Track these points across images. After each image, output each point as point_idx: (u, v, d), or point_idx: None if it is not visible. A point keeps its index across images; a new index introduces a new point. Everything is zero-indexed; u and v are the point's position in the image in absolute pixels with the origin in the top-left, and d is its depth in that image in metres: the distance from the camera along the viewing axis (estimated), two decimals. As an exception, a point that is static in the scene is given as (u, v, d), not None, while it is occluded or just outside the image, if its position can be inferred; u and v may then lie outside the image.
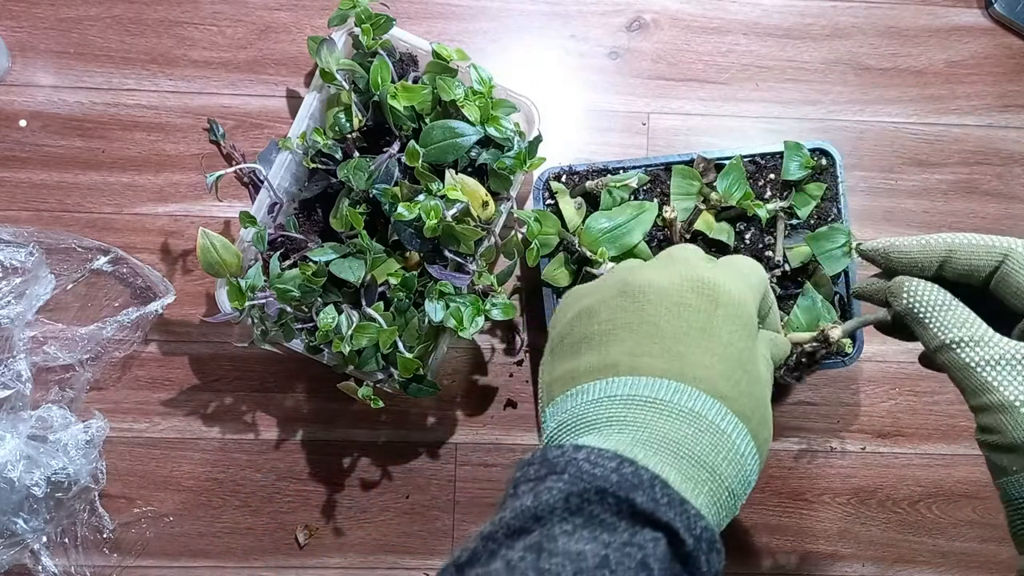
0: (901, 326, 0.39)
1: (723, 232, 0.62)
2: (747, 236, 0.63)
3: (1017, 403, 0.34)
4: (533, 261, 0.59)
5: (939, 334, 0.36)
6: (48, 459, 0.61)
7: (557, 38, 0.71)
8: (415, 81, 0.62)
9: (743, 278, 0.38)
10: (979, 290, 0.37)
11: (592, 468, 0.31)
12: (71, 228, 0.67)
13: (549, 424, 0.36)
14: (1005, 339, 0.35)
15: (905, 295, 0.37)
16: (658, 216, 0.60)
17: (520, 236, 0.60)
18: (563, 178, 0.63)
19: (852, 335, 0.63)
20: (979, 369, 0.34)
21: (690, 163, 0.63)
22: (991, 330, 0.35)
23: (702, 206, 0.62)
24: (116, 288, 0.68)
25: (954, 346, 0.35)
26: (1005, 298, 0.36)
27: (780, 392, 0.70)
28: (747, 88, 0.71)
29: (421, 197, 0.56)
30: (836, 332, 0.43)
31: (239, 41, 0.70)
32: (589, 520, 0.30)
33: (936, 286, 0.37)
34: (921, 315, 0.36)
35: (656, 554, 0.29)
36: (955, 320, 0.36)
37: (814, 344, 0.44)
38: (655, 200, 0.62)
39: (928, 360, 0.41)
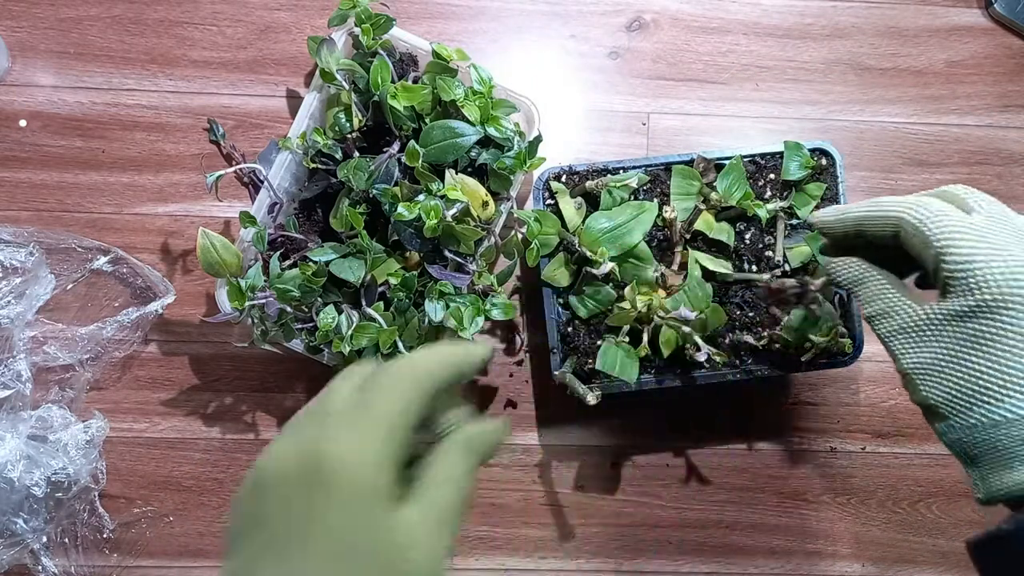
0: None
1: (723, 232, 0.62)
2: (747, 236, 0.63)
3: (909, 371, 0.38)
4: (533, 261, 0.59)
5: (863, 308, 0.40)
6: (48, 459, 0.61)
7: (557, 38, 0.71)
8: (415, 81, 0.62)
9: (379, 423, 0.30)
10: (899, 253, 0.40)
11: None
12: (71, 228, 0.67)
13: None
14: (910, 308, 0.38)
15: (830, 273, 0.42)
16: (658, 216, 0.60)
17: (520, 236, 0.60)
18: (563, 178, 0.63)
19: (852, 335, 0.63)
20: (888, 339, 0.39)
21: (690, 163, 0.63)
22: (902, 299, 0.39)
23: (702, 206, 0.62)
24: (116, 288, 0.68)
25: (872, 319, 0.39)
26: (913, 261, 0.39)
27: (780, 393, 0.70)
28: (747, 88, 0.71)
29: (421, 197, 0.56)
30: (816, 283, 0.50)
31: (239, 41, 0.70)
32: None
33: (853, 261, 0.41)
34: (849, 289, 0.41)
35: None
36: (870, 294, 0.40)
37: (796, 289, 0.49)
38: (655, 200, 0.62)
39: None
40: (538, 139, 0.60)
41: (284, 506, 0.28)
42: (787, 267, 0.62)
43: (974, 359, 0.36)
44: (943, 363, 0.37)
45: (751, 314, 0.62)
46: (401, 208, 0.55)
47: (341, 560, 0.28)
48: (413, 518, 0.29)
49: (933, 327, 0.37)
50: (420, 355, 0.33)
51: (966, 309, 0.36)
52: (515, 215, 0.60)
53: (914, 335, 0.38)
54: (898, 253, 0.40)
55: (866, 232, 0.41)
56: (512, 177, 0.60)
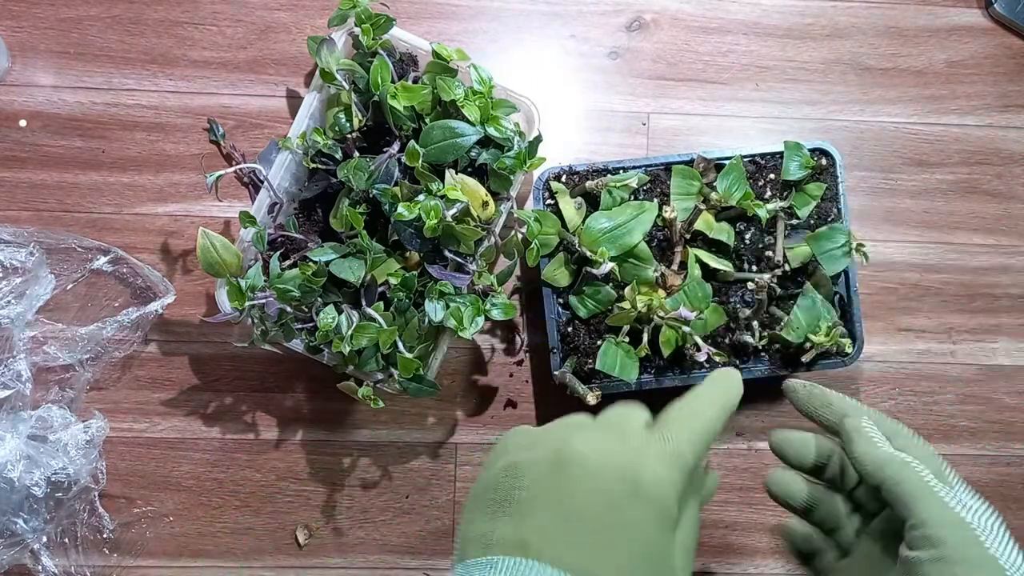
0: None
1: (723, 232, 0.62)
2: (747, 236, 0.63)
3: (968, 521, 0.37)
4: (533, 261, 0.59)
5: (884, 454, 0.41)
6: (48, 459, 0.61)
7: (557, 38, 0.71)
8: (415, 81, 0.62)
9: (679, 457, 0.36)
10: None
11: None
12: (71, 228, 0.67)
13: None
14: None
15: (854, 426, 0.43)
16: (658, 216, 0.60)
17: (520, 236, 0.60)
18: (563, 178, 0.63)
19: (852, 335, 0.63)
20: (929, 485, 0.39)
21: (690, 163, 0.63)
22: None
23: (702, 206, 0.62)
24: (116, 288, 0.68)
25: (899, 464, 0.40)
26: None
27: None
28: (747, 88, 0.71)
29: (421, 197, 0.56)
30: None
31: (239, 41, 0.70)
32: None
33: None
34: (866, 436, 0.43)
35: None
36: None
37: None
38: (655, 200, 0.62)
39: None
40: (538, 139, 0.60)
41: (597, 499, 0.34)
42: (787, 267, 0.62)
43: None
44: None
45: (751, 313, 0.62)
46: (401, 208, 0.55)
47: (627, 553, 0.33)
48: (680, 535, 0.37)
49: None
50: (710, 401, 0.40)
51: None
52: (515, 215, 0.60)
53: None
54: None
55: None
56: (512, 177, 0.60)
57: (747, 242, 0.63)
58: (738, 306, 0.62)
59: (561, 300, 0.63)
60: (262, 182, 0.63)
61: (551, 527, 0.33)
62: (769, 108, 0.71)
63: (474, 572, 0.34)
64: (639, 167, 0.63)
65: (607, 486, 0.34)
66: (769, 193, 0.64)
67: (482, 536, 0.35)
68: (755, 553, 0.68)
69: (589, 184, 0.62)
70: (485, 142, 0.59)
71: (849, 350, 0.62)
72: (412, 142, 0.57)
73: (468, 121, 0.57)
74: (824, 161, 0.64)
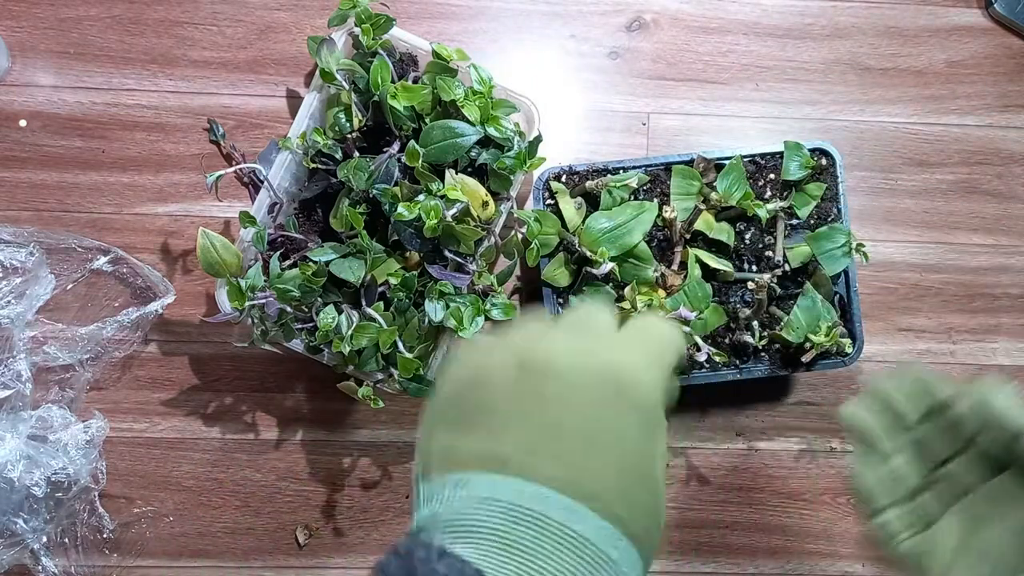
0: None
1: (723, 232, 0.62)
2: (747, 236, 0.63)
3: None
4: (533, 261, 0.59)
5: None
6: (48, 459, 0.61)
7: (557, 38, 0.71)
8: (415, 81, 0.62)
9: (658, 358, 0.34)
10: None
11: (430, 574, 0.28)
12: (71, 228, 0.67)
13: (422, 507, 0.32)
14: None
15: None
16: (658, 216, 0.60)
17: (520, 236, 0.60)
18: (563, 178, 0.63)
19: (852, 335, 0.63)
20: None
21: (690, 163, 0.63)
22: None
23: (702, 206, 0.62)
24: (116, 288, 0.68)
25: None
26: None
27: (780, 391, 0.70)
28: (747, 88, 0.71)
29: (421, 197, 0.56)
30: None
31: (239, 41, 0.70)
32: None
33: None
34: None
35: None
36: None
37: None
38: (655, 200, 0.62)
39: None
40: (538, 139, 0.60)
41: (577, 407, 0.31)
42: (787, 267, 0.62)
43: None
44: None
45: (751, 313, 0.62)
46: (401, 208, 0.55)
47: (615, 465, 0.30)
48: (660, 442, 0.33)
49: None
50: (671, 328, 0.36)
51: None
52: (515, 215, 0.60)
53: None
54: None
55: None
56: (512, 177, 0.60)
57: (747, 242, 0.63)
58: (738, 306, 0.62)
59: (561, 300, 0.63)
60: (262, 182, 0.63)
61: (527, 438, 0.30)
62: (769, 108, 0.71)
63: (443, 489, 0.31)
64: (639, 167, 0.63)
65: (586, 391, 0.31)
66: (769, 193, 0.64)
67: (447, 450, 0.33)
68: (755, 553, 0.68)
69: (589, 184, 0.62)
70: (485, 142, 0.59)
71: (849, 350, 0.62)
72: (412, 142, 0.56)
73: (468, 121, 0.57)
74: (824, 161, 0.64)
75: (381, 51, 0.60)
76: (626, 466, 0.31)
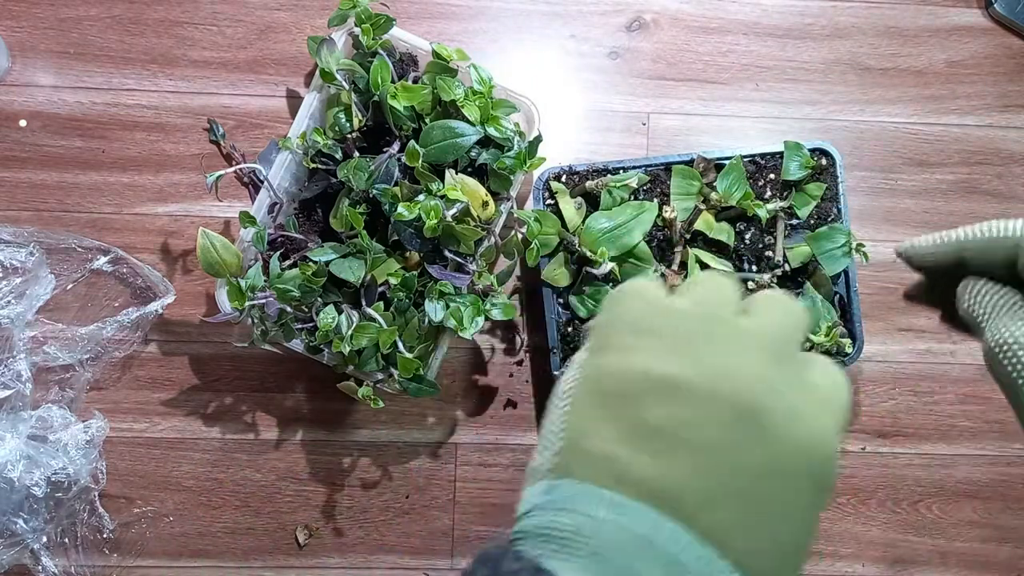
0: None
1: (723, 232, 0.62)
2: (747, 236, 0.63)
3: None
4: (533, 261, 0.59)
5: (990, 337, 0.34)
6: (48, 459, 0.61)
7: (557, 38, 0.71)
8: (415, 81, 0.62)
9: (842, 424, 0.32)
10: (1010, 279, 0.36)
11: None
12: (71, 228, 0.67)
13: (546, 510, 0.29)
14: None
15: (967, 298, 0.36)
16: (658, 216, 0.60)
17: (520, 236, 0.60)
18: (563, 178, 0.63)
19: (852, 335, 0.63)
20: None
21: (690, 163, 0.63)
22: None
23: (702, 206, 0.62)
24: (116, 288, 0.68)
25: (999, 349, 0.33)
26: None
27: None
28: (747, 88, 0.71)
29: (421, 197, 0.56)
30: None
31: (239, 41, 0.70)
32: None
33: (995, 287, 0.36)
34: (978, 318, 0.35)
35: None
36: (1007, 323, 0.34)
37: None
38: (655, 200, 0.62)
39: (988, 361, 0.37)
40: (538, 139, 0.60)
41: (778, 483, 0.29)
42: (787, 267, 0.62)
43: None
44: None
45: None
46: (401, 208, 0.55)
47: (778, 540, 0.28)
48: (817, 375, 0.31)
49: None
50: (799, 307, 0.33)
51: None
52: (515, 215, 0.60)
53: None
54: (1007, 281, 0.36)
55: (970, 259, 0.36)
56: (512, 177, 0.60)
57: (747, 242, 0.63)
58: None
59: (561, 300, 0.63)
60: (262, 182, 0.63)
61: (711, 489, 0.28)
62: (769, 108, 0.71)
63: (594, 504, 0.28)
64: (639, 167, 0.63)
65: (795, 467, 0.29)
66: (769, 193, 0.64)
67: (613, 461, 0.29)
68: (755, 553, 0.68)
69: (589, 184, 0.62)
70: (485, 142, 0.59)
71: (849, 350, 0.62)
72: (412, 142, 0.56)
73: (468, 121, 0.57)
74: (824, 161, 0.64)
75: (381, 51, 0.60)
76: (792, 543, 0.29)
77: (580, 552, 0.27)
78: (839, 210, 0.64)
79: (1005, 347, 0.32)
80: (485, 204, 0.59)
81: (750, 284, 0.61)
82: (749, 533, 0.28)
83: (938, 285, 0.39)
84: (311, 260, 0.58)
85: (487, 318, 0.58)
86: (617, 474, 0.28)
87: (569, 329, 0.63)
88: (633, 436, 0.29)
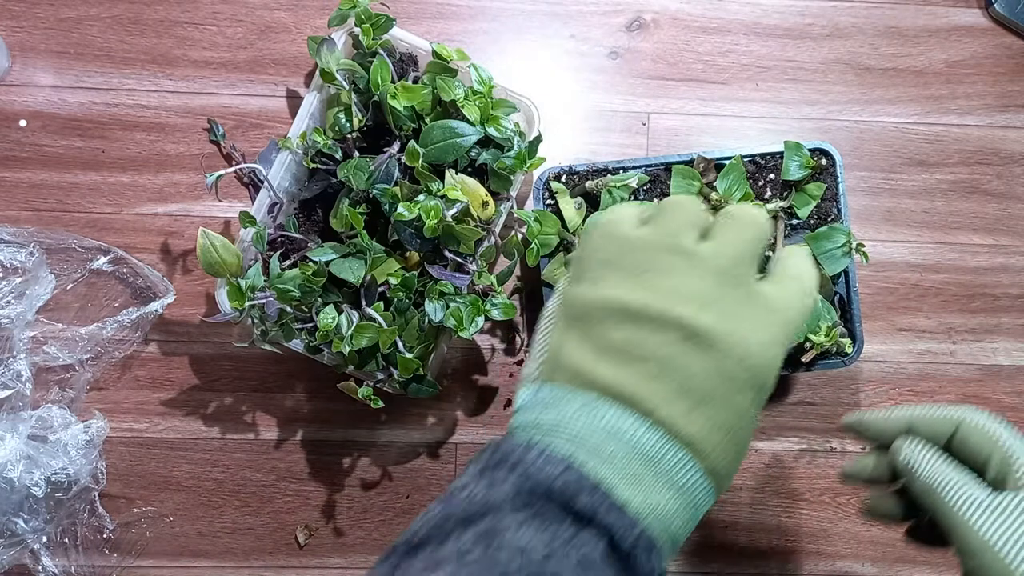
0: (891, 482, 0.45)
1: (723, 232, 0.62)
2: (747, 236, 0.63)
3: (994, 543, 0.37)
4: (533, 261, 0.59)
5: (928, 478, 0.40)
6: (48, 459, 0.61)
7: (557, 38, 0.71)
8: (415, 81, 0.62)
9: (789, 337, 0.37)
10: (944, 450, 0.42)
11: (541, 470, 0.33)
12: (71, 228, 0.67)
13: (533, 409, 0.36)
14: (985, 488, 0.39)
15: (904, 449, 0.42)
16: (658, 216, 0.60)
17: (520, 236, 0.60)
18: (563, 178, 0.63)
19: (852, 335, 0.63)
20: (962, 511, 0.39)
21: (690, 163, 0.63)
22: (974, 480, 0.40)
23: (702, 206, 0.62)
24: (116, 288, 0.68)
25: (941, 488, 0.40)
26: (966, 460, 0.41)
27: (780, 392, 0.70)
28: (747, 88, 0.71)
29: (421, 197, 0.56)
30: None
31: (239, 41, 0.70)
32: (536, 515, 0.32)
33: (927, 445, 0.42)
34: (914, 466, 0.41)
35: (596, 552, 0.32)
36: (944, 468, 0.40)
37: None
38: (655, 200, 0.62)
39: (913, 532, 0.46)
40: (538, 139, 0.60)
41: (727, 385, 0.35)
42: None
43: None
44: None
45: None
46: (401, 208, 0.55)
47: (730, 433, 0.35)
48: (769, 290, 0.37)
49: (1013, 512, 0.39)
50: (811, 303, 0.38)
51: None
52: (515, 215, 0.60)
53: (1001, 513, 0.39)
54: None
55: (916, 433, 0.43)
56: (512, 177, 0.60)
57: (747, 242, 0.63)
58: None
59: (561, 300, 0.62)
60: (262, 182, 0.63)
61: (666, 390, 0.34)
62: (769, 108, 0.71)
63: (568, 404, 0.35)
64: (639, 167, 0.63)
65: (734, 372, 0.35)
66: (769, 193, 0.64)
67: (583, 370, 0.35)
68: (755, 553, 0.68)
69: (589, 184, 0.62)
70: (485, 142, 0.59)
71: (849, 350, 0.62)
72: (412, 142, 0.57)
73: (468, 121, 0.57)
74: (824, 161, 0.64)
75: (381, 51, 0.60)
76: (737, 434, 0.35)
77: (561, 437, 0.34)
78: (839, 210, 0.64)
79: (937, 485, 0.40)
80: (485, 204, 0.59)
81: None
82: (697, 417, 0.34)
83: (878, 463, 0.45)
84: (311, 260, 0.58)
85: (487, 318, 0.58)
86: (587, 380, 0.35)
87: (569, 329, 0.62)
88: (600, 351, 0.35)
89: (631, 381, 0.35)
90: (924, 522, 0.46)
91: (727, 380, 0.35)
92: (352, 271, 0.58)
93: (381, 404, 0.59)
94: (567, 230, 0.61)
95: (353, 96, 0.60)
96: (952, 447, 0.42)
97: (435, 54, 0.60)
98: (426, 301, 0.57)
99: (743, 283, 0.36)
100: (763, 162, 0.64)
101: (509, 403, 0.68)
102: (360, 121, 0.60)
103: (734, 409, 0.35)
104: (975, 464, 0.41)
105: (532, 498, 0.33)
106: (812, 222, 0.63)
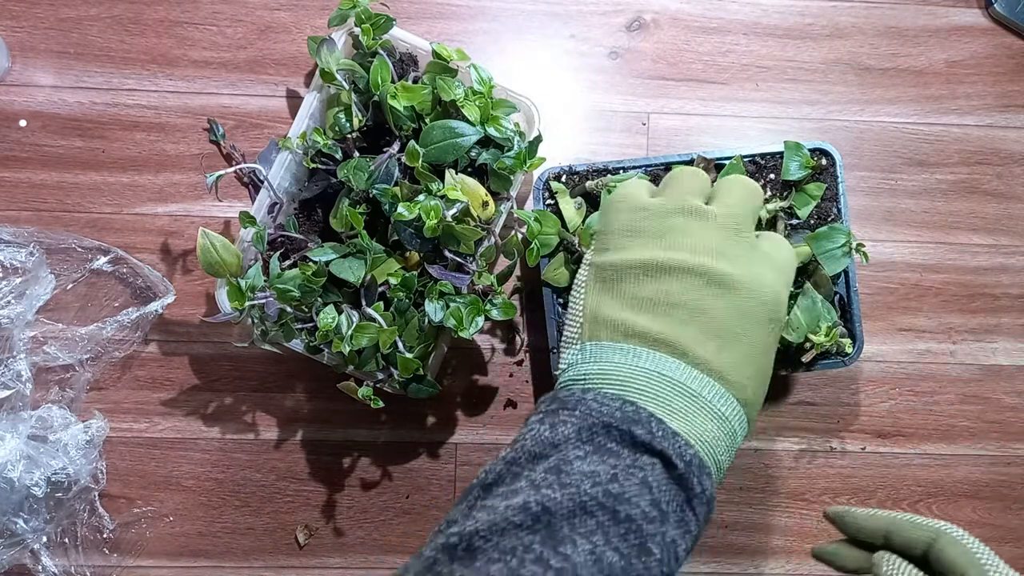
0: None
1: (723, 232, 0.62)
2: (747, 236, 0.63)
3: None
4: (533, 261, 0.59)
5: None
6: (48, 459, 0.61)
7: (557, 38, 0.71)
8: (415, 81, 0.62)
9: (789, 279, 0.43)
10: (921, 563, 0.43)
11: (600, 407, 0.37)
12: (71, 228, 0.67)
13: (579, 364, 0.41)
14: None
15: (884, 566, 0.43)
16: (658, 216, 0.60)
17: (520, 236, 0.60)
18: (563, 178, 0.63)
19: (852, 335, 0.63)
20: None
21: (690, 163, 0.63)
22: None
23: (702, 206, 0.62)
24: (116, 288, 0.68)
25: None
26: (941, 571, 0.42)
27: (780, 392, 0.70)
28: (747, 88, 0.71)
29: (421, 197, 0.56)
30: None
31: (239, 41, 0.70)
32: (598, 448, 0.36)
33: (906, 564, 0.43)
34: None
35: (654, 474, 0.36)
36: None
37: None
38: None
39: None
40: (538, 139, 0.60)
41: (744, 320, 0.40)
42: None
43: None
44: None
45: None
46: (401, 208, 0.55)
47: (756, 365, 0.41)
48: (766, 245, 0.43)
49: None
50: (793, 252, 0.45)
51: None
52: (515, 215, 0.60)
53: None
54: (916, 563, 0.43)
55: (895, 539, 0.44)
56: (512, 177, 0.60)
57: (747, 242, 0.63)
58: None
59: (561, 300, 0.63)
60: (262, 182, 0.63)
61: (696, 333, 0.39)
62: (769, 108, 0.71)
63: (612, 354, 0.39)
64: (639, 167, 0.63)
65: (748, 304, 0.40)
66: (769, 193, 0.64)
67: (622, 323, 0.40)
68: (755, 553, 0.68)
69: (589, 184, 0.62)
70: (485, 142, 0.59)
71: (849, 350, 0.62)
72: (412, 142, 0.57)
73: (468, 121, 0.57)
74: (824, 161, 0.64)
75: (381, 51, 0.60)
76: (761, 365, 0.41)
77: (611, 384, 0.39)
78: (839, 210, 0.64)
79: None
80: (485, 204, 0.59)
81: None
82: (726, 354, 0.39)
83: (851, 555, 0.47)
84: (311, 260, 0.58)
85: (487, 318, 0.58)
86: (625, 331, 0.40)
87: (569, 329, 0.63)
88: (634, 305, 0.41)
89: (665, 328, 0.39)
90: None
91: (747, 316, 0.40)
92: (352, 271, 0.58)
93: (381, 404, 0.59)
94: (567, 230, 0.61)
95: (353, 96, 0.60)
96: (929, 557, 0.43)
97: (435, 54, 0.60)
98: (426, 301, 0.57)
99: (747, 238, 0.42)
100: (763, 162, 0.64)
101: (509, 403, 0.68)
102: (360, 121, 0.60)
103: (756, 342, 0.40)
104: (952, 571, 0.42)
105: (593, 433, 0.37)
106: (812, 222, 0.63)
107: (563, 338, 0.44)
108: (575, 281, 0.45)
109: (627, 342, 0.39)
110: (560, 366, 0.43)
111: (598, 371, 0.39)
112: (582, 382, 0.40)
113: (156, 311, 0.65)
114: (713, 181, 0.61)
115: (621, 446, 0.36)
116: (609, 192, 0.61)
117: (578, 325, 0.42)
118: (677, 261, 0.40)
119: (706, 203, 0.43)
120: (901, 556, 0.44)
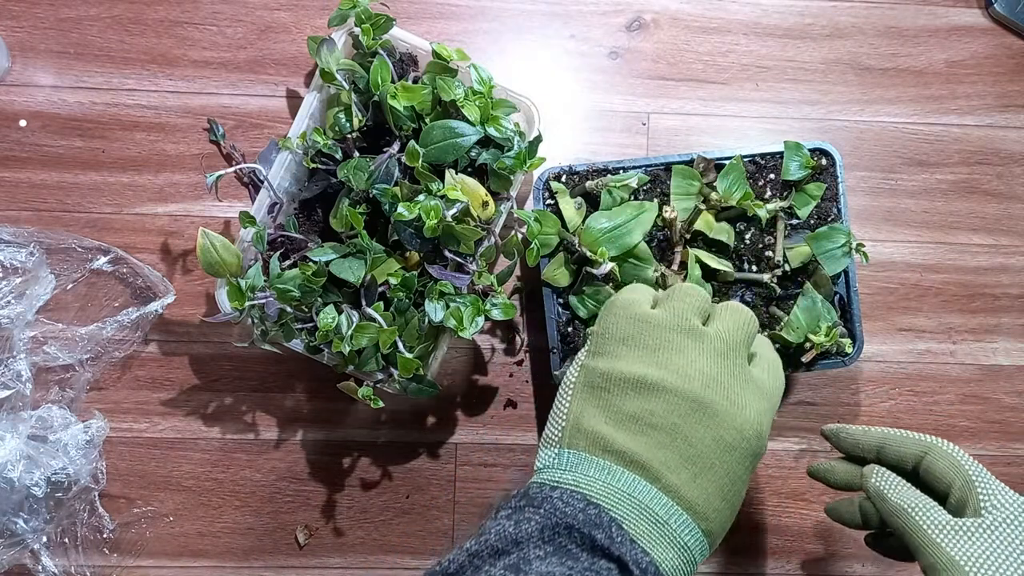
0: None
1: (723, 232, 0.62)
2: (747, 236, 0.63)
3: (960, 561, 0.40)
4: (533, 261, 0.59)
5: (898, 502, 0.44)
6: (48, 459, 0.61)
7: (557, 38, 0.71)
8: (415, 81, 0.62)
9: (774, 408, 0.44)
10: (912, 477, 0.46)
11: (564, 506, 0.38)
12: (71, 228, 0.67)
13: (555, 469, 0.41)
14: (947, 514, 0.43)
15: (874, 476, 0.46)
16: (658, 216, 0.60)
17: (520, 236, 0.60)
18: (563, 178, 0.63)
19: (852, 335, 0.63)
20: (930, 531, 0.42)
21: (690, 163, 0.63)
22: (938, 507, 0.44)
23: (702, 206, 0.62)
24: (116, 288, 0.68)
25: (910, 511, 0.43)
26: (930, 483, 0.45)
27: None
28: (747, 88, 0.71)
29: (421, 197, 0.56)
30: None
31: (239, 41, 0.70)
32: (558, 549, 0.37)
33: (906, 487, 0.45)
34: (884, 490, 0.45)
35: None
36: (911, 493, 0.44)
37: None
38: (655, 200, 0.62)
39: (874, 540, 0.51)
40: (538, 139, 0.60)
41: (722, 453, 0.40)
42: (787, 267, 0.62)
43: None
44: (994, 558, 0.41)
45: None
46: (401, 208, 0.55)
47: (727, 500, 0.41)
48: (757, 373, 0.44)
49: (977, 534, 0.42)
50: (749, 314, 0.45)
51: (999, 522, 0.42)
52: (515, 215, 0.60)
53: (964, 533, 0.42)
54: (908, 478, 0.46)
55: (888, 452, 0.47)
56: (512, 177, 0.60)
57: (747, 242, 0.63)
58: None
59: (561, 300, 0.63)
60: (262, 182, 0.63)
61: (672, 460, 0.39)
62: (769, 108, 0.71)
63: (588, 467, 0.40)
64: (639, 167, 0.63)
65: (730, 438, 0.40)
66: (769, 193, 0.64)
67: (601, 438, 0.40)
68: (755, 553, 0.68)
69: (589, 184, 0.62)
70: (485, 142, 0.59)
71: (849, 350, 0.62)
72: (412, 142, 0.57)
73: (468, 121, 0.57)
74: (824, 161, 0.64)
75: (381, 51, 0.60)
76: (732, 498, 0.41)
77: (578, 496, 0.39)
78: (839, 210, 0.64)
79: (906, 507, 0.43)
80: (485, 204, 0.59)
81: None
82: (699, 484, 0.39)
83: (843, 469, 0.50)
84: (311, 260, 0.58)
85: (487, 318, 0.58)
86: (604, 446, 0.40)
87: (569, 329, 0.63)
88: (617, 420, 0.41)
89: (643, 450, 0.39)
90: (885, 536, 0.50)
91: (726, 449, 0.40)
92: (352, 271, 0.58)
93: (381, 404, 0.59)
94: (567, 230, 0.61)
95: (353, 96, 0.60)
96: (919, 471, 0.45)
97: (435, 54, 0.60)
98: (426, 301, 0.57)
99: (739, 365, 0.42)
100: (763, 162, 0.64)
101: (509, 403, 0.68)
102: (360, 121, 0.60)
103: (730, 474, 0.40)
104: (937, 491, 0.45)
105: (555, 533, 0.37)
106: (812, 222, 0.63)
107: (544, 434, 0.44)
108: (565, 378, 0.45)
109: (604, 458, 0.40)
110: (537, 464, 0.43)
111: (570, 481, 0.40)
112: (552, 490, 0.40)
113: (156, 311, 0.65)
114: (713, 181, 0.62)
115: (581, 549, 0.37)
116: (609, 193, 0.61)
117: (560, 428, 0.43)
118: (666, 383, 0.41)
119: (704, 322, 0.44)
120: (894, 471, 0.46)
